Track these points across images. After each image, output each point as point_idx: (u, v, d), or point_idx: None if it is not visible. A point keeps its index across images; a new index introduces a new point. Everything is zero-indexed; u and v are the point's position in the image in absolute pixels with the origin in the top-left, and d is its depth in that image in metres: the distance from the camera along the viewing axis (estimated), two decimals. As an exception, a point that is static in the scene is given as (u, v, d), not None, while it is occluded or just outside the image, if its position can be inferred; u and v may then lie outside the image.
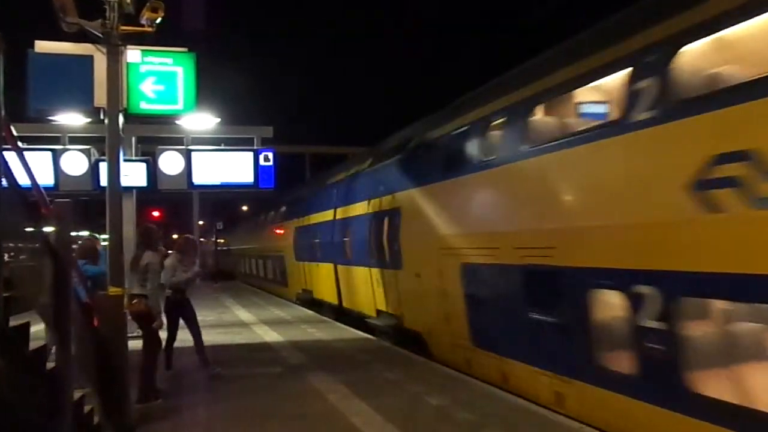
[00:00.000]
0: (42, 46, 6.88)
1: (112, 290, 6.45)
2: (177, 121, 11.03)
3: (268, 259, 25.96)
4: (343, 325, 13.94)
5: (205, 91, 9.93)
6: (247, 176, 12.52)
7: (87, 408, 5.45)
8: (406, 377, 8.20)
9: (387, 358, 9.67)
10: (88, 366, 5.48)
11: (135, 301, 7.30)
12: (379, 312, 12.09)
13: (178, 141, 12.47)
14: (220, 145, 12.92)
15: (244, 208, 44.31)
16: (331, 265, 15.21)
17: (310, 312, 17.17)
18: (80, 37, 6.77)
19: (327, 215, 15.60)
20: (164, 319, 7.75)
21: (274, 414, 6.67)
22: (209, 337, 8.82)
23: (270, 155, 12.61)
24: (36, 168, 9.00)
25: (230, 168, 12.55)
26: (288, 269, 21.28)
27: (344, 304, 14.73)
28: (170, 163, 12.14)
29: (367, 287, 12.44)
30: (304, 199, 19.72)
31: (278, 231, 22.96)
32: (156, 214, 34.19)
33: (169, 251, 9.93)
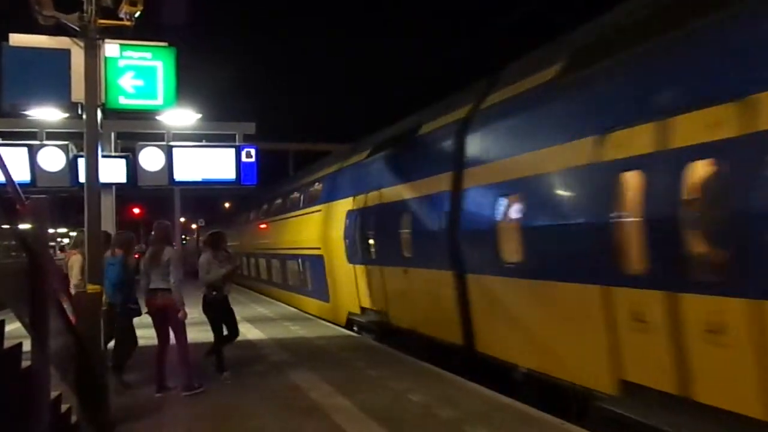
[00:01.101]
0: (17, 39, 6.74)
1: (90, 287, 6.35)
2: (157, 117, 10.92)
3: (287, 260, 18.34)
4: (325, 323, 13.88)
5: (186, 87, 9.81)
6: (229, 173, 12.42)
7: (64, 407, 5.37)
8: (389, 374, 8.19)
9: (370, 356, 9.66)
10: (65, 365, 5.39)
11: (158, 295, 7.45)
12: (627, 386, 5.51)
13: (158, 137, 12.34)
14: (201, 142, 12.81)
15: (226, 204, 43.98)
16: (448, 275, 8.51)
17: (292, 309, 17.05)
18: (57, 30, 6.65)
19: (434, 184, 8.93)
20: (187, 311, 7.73)
21: (257, 412, 6.62)
22: (192, 335, 8.74)
23: (252, 152, 12.52)
24: (11, 164, 8.83)
25: (212, 164, 12.43)
26: (330, 276, 14.01)
27: (482, 347, 8.07)
28: (151, 159, 11.99)
29: (585, 333, 5.98)
30: (366, 166, 12.32)
31: (309, 220, 15.71)
32: (136, 210, 33.90)
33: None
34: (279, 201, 20.89)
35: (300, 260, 16.70)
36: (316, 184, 16.13)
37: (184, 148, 12.26)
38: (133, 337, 8.15)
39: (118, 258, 7.98)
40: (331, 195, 14.21)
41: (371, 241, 11.38)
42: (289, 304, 17.90)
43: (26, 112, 8.67)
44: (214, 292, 8.40)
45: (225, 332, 8.57)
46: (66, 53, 6.68)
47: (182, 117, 11.60)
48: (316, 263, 14.79)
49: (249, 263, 25.18)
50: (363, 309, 12.17)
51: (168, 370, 7.62)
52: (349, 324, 13.06)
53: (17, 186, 5.09)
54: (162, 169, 11.98)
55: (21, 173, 10.81)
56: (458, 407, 6.50)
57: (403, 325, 10.48)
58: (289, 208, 18.83)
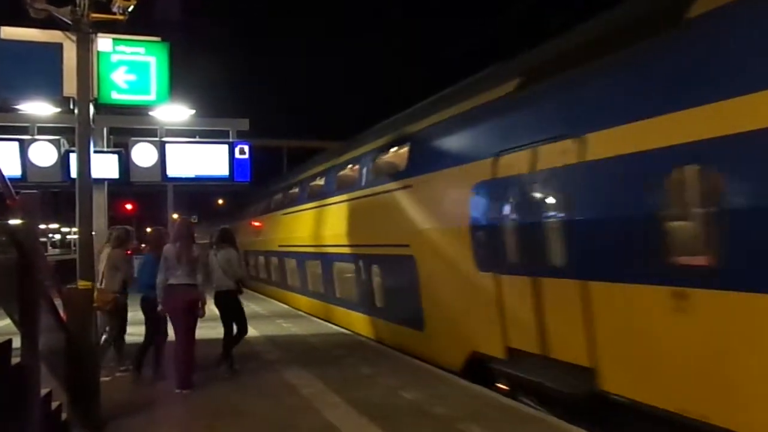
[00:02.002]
0: (8, 32, 6.69)
1: (82, 283, 6.31)
2: (150, 113, 10.88)
3: (335, 262, 13.10)
4: (318, 320, 13.86)
5: (180, 82, 9.77)
6: (222, 169, 12.39)
7: (54, 404, 5.33)
8: (381, 372, 8.18)
9: (362, 353, 9.64)
10: (56, 361, 5.35)
11: (186, 291, 7.38)
12: None
13: (151, 133, 12.29)
14: (194, 138, 12.76)
15: (222, 200, 43.81)
16: None
17: (285, 306, 17.00)
18: (49, 23, 6.60)
19: None
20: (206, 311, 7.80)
21: (249, 410, 6.59)
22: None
23: (246, 148, 12.49)
24: (2, 158, 8.74)
25: (205, 161, 12.41)
26: (427, 289, 9.04)
27: None
28: (143, 155, 11.95)
29: None
30: (528, 102, 6.99)
31: (383, 203, 10.35)
32: (129, 207, 33.74)
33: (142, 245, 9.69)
34: (319, 181, 15.21)
35: (363, 263, 11.32)
36: (397, 147, 10.46)
37: (177, 144, 12.22)
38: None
39: (150, 255, 8.07)
40: (432, 161, 8.99)
41: (550, 235, 6.29)
42: (339, 325, 12.87)
43: (17, 107, 8.62)
44: (240, 288, 8.53)
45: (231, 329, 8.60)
46: (58, 47, 6.64)
47: (175, 113, 11.56)
48: (399, 268, 9.77)
49: (269, 265, 20.13)
50: (514, 352, 7.06)
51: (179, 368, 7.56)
52: (473, 370, 7.88)
53: (7, 181, 5.04)
54: (155, 165, 11.94)
55: (12, 168, 10.76)
56: (451, 405, 6.49)
57: (650, 402, 5.22)
58: (339, 188, 13.16)
